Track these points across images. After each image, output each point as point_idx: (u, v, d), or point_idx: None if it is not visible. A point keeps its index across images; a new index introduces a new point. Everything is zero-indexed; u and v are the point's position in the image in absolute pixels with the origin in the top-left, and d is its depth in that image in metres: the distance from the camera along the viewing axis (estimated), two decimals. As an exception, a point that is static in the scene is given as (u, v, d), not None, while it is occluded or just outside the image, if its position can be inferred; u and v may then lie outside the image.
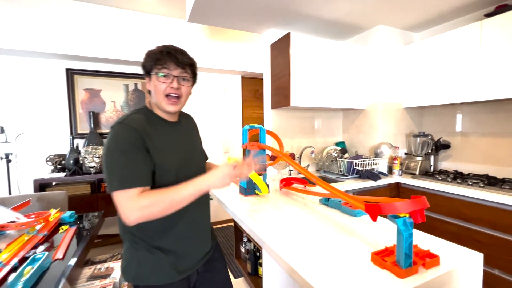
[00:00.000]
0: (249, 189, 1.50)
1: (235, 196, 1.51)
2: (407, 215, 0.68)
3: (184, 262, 0.88)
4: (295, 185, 1.71)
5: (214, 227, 3.25)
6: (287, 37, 1.93)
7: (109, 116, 2.69)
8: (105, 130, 2.66)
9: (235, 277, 2.13)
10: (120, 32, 2.53)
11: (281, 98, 2.03)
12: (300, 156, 2.25)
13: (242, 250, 2.10)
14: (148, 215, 0.72)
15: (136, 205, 0.71)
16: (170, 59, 0.81)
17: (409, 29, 2.33)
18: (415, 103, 2.21)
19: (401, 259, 0.66)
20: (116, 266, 1.47)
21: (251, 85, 3.50)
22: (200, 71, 3.14)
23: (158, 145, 0.82)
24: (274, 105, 2.16)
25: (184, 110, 1.03)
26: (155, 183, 0.81)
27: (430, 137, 2.18)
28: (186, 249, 0.89)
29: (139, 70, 2.74)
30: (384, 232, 0.93)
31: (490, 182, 1.70)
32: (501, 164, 1.92)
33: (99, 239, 2.52)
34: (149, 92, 0.88)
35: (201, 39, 2.87)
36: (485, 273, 1.52)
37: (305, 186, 1.72)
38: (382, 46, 2.21)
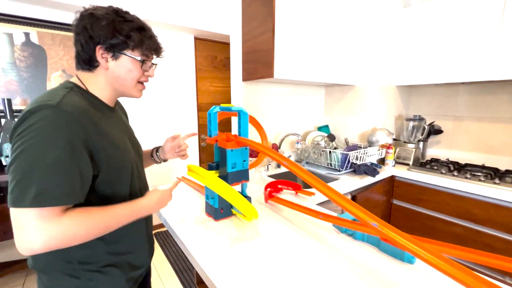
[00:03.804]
0: (222, 208, 0.96)
1: (198, 219, 0.96)
2: None
3: (138, 262, 0.76)
4: (285, 194, 1.24)
5: (159, 230, 2.64)
6: (270, -28, 1.33)
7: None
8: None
9: (196, 307, 1.63)
10: None
11: (259, 66, 1.46)
12: (279, 146, 1.77)
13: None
14: (65, 243, 0.53)
15: (51, 230, 0.50)
16: (153, 45, 0.70)
17: (407, -12, 1.94)
18: (410, 81, 1.90)
19: None
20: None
21: (208, 49, 2.79)
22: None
23: (110, 138, 0.65)
24: (247, 76, 1.58)
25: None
26: (105, 192, 0.64)
27: (424, 121, 1.92)
28: (138, 242, 0.77)
29: (33, 11, 1.80)
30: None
31: (498, 175, 1.51)
32: (497, 152, 1.77)
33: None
34: (89, 65, 0.67)
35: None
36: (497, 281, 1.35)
37: (297, 193, 1.27)
38: (380, 4, 1.78)
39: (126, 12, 0.68)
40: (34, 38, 1.85)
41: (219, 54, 2.89)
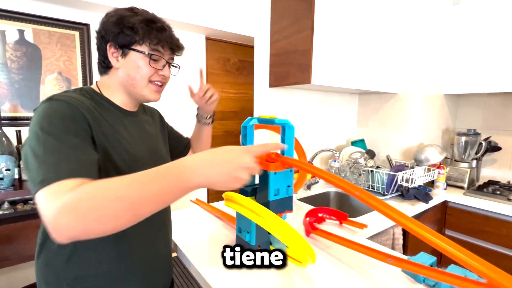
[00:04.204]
0: (259, 246, 0.85)
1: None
2: None
3: None
4: (327, 225, 1.13)
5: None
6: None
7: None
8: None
9: None
10: None
11: (292, 70, 1.38)
12: (311, 163, 1.67)
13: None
14: (82, 225, 0.44)
15: (58, 202, 0.45)
16: (164, 37, 0.69)
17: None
18: (461, 89, 1.80)
19: None
20: None
21: (220, 51, 2.74)
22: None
23: (110, 136, 0.65)
24: (276, 82, 1.50)
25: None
26: None
27: (479, 136, 1.81)
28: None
29: (29, 6, 1.76)
30: None
31: None
32: None
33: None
34: (104, 67, 0.72)
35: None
36: None
37: (341, 223, 1.16)
38: (426, 2, 1.71)
39: (143, 9, 0.71)
40: (29, 36, 1.80)
41: (232, 57, 2.85)
